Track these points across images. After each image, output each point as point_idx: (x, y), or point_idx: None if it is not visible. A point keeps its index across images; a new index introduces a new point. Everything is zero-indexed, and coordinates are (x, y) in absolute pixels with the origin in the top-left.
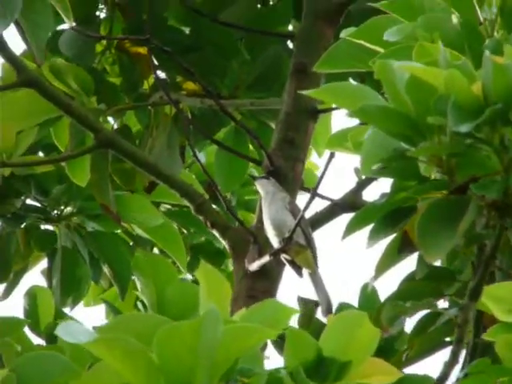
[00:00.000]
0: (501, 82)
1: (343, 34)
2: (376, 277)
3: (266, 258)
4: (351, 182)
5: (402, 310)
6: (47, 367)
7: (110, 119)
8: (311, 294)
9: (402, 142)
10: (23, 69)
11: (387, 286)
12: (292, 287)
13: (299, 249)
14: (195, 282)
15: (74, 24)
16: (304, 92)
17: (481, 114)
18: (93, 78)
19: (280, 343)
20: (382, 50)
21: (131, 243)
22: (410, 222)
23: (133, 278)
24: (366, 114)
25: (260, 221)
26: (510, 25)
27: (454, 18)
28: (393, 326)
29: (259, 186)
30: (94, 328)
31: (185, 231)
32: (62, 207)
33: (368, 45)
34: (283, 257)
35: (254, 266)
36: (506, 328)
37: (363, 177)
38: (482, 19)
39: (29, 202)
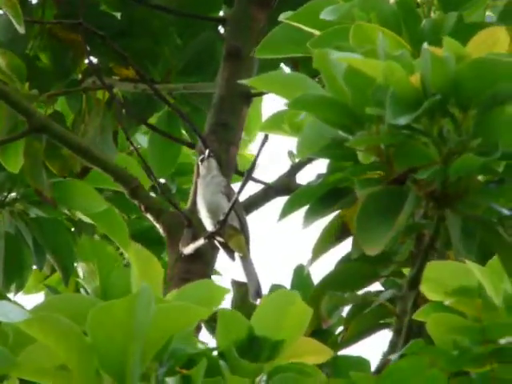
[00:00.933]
0: (439, 74)
1: (282, 16)
2: (312, 260)
3: (200, 241)
4: (285, 166)
5: (341, 301)
6: None
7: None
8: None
9: (341, 131)
10: None
11: (324, 267)
12: (227, 270)
13: (233, 232)
14: None
15: (23, 30)
16: (241, 81)
17: (419, 106)
18: (25, 63)
19: (213, 326)
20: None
21: (73, 229)
22: (348, 213)
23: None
24: (304, 104)
25: (194, 204)
26: (447, 6)
27: None
28: (332, 317)
29: (205, 166)
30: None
31: (126, 217)
32: (6, 193)
33: (306, 28)
34: (217, 240)
35: (189, 249)
36: (436, 308)
37: (297, 160)
38: (418, 0)
39: None
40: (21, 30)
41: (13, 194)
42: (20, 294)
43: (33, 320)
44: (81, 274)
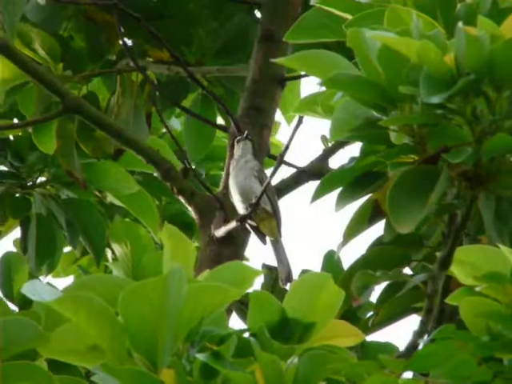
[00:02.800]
0: (474, 53)
1: (313, 0)
2: (343, 243)
3: (232, 224)
4: (318, 150)
5: (372, 279)
6: (16, 333)
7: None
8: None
9: (374, 111)
10: None
11: (355, 252)
12: (257, 254)
13: (265, 216)
14: None
15: (44, 1)
16: (275, 60)
17: (453, 85)
18: (59, 44)
19: (243, 309)
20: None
21: (103, 212)
22: (381, 192)
23: None
24: (337, 83)
25: (226, 187)
26: None
27: None
28: (362, 296)
29: (240, 148)
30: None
31: (157, 202)
32: (37, 174)
33: (338, 12)
34: (248, 223)
35: (220, 232)
36: (470, 292)
37: (329, 144)
38: None
39: (3, 168)
40: (41, 1)
41: (44, 176)
42: (49, 277)
43: (65, 299)
44: (110, 257)
